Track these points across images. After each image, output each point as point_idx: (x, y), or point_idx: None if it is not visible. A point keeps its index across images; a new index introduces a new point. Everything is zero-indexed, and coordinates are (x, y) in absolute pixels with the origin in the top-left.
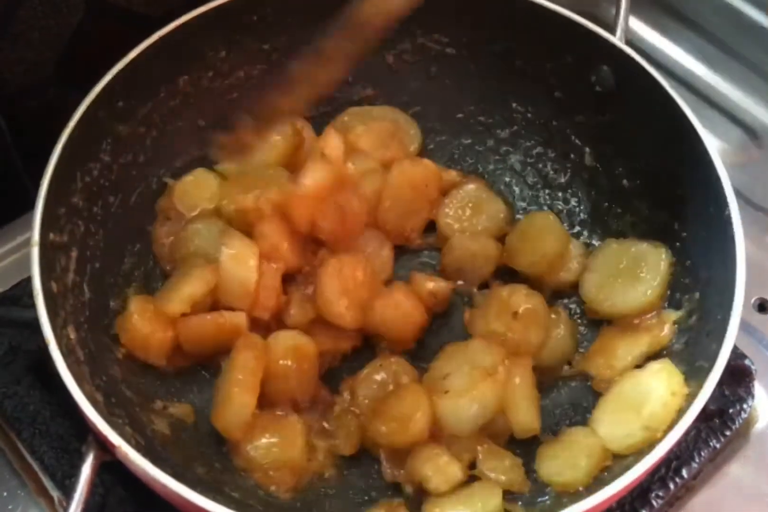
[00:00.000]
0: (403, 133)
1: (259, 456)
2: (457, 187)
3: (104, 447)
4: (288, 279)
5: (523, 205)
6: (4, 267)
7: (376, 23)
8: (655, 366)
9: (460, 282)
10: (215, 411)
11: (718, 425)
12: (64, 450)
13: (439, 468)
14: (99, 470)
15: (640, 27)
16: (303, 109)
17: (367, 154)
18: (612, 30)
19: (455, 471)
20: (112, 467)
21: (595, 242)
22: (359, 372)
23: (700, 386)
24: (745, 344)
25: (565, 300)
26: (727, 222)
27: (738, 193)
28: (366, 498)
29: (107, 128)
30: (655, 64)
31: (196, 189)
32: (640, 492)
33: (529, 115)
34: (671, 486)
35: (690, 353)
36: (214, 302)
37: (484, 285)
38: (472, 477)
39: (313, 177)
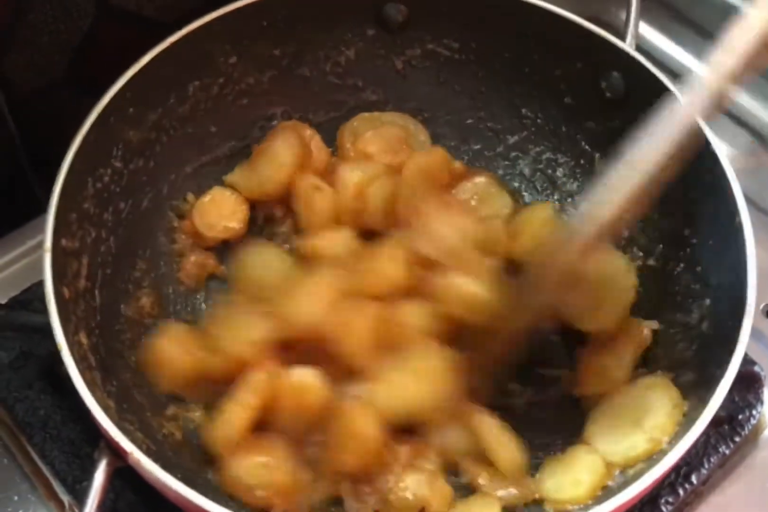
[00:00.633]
0: (413, 140)
1: (245, 475)
2: (467, 179)
3: (116, 453)
4: None
5: None
6: (14, 272)
7: None
8: (648, 380)
9: None
10: (209, 424)
11: (728, 431)
12: (75, 455)
13: (436, 491)
14: (112, 476)
15: (650, 33)
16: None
17: (376, 160)
18: (622, 36)
19: (448, 489)
20: (123, 472)
21: None
22: None
23: (711, 393)
24: (754, 350)
25: None
26: (738, 228)
27: (747, 199)
28: None
29: (118, 134)
30: (665, 70)
31: (215, 208)
32: (649, 499)
33: (538, 120)
34: (681, 492)
35: (700, 360)
36: None
37: None
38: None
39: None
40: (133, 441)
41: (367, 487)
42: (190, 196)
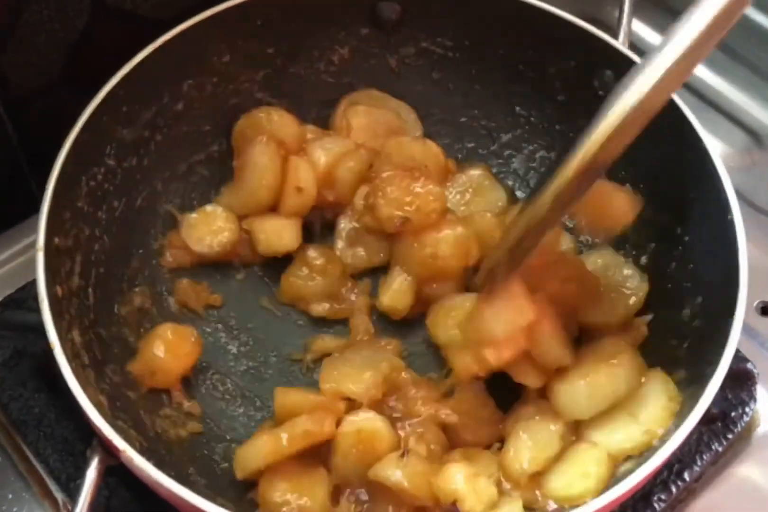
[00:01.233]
0: (404, 132)
1: (273, 496)
2: (461, 172)
3: (109, 451)
4: None
5: None
6: (9, 271)
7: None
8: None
9: None
10: (242, 445)
11: (721, 428)
12: (69, 453)
13: (476, 489)
14: (104, 474)
15: (643, 30)
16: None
17: (353, 135)
18: (615, 34)
19: (492, 493)
20: (116, 470)
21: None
22: None
23: (702, 389)
24: (747, 347)
25: None
26: (730, 225)
27: (741, 196)
28: None
29: (112, 133)
30: None
31: (204, 225)
32: (642, 496)
33: (532, 119)
34: (673, 489)
35: (692, 356)
36: None
37: None
38: None
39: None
40: (126, 439)
41: None
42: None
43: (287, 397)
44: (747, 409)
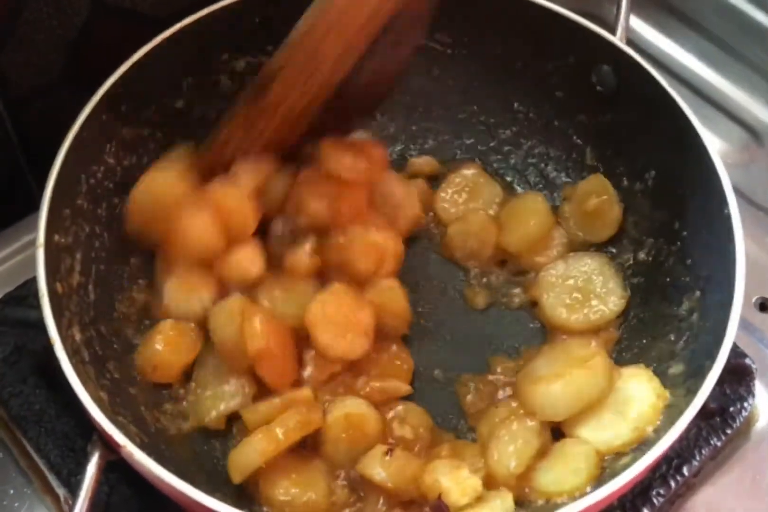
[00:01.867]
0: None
1: (277, 495)
2: (454, 172)
3: (109, 446)
4: None
5: None
6: (10, 268)
7: None
8: (629, 371)
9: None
10: (234, 448)
11: (719, 423)
12: (70, 449)
13: (459, 482)
14: (104, 469)
15: (641, 26)
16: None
17: None
18: (613, 30)
19: (475, 484)
20: (117, 465)
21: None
22: None
23: (700, 384)
24: (746, 343)
25: None
26: (727, 221)
27: (739, 193)
28: None
29: (111, 131)
30: (656, 64)
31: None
32: (641, 490)
33: (530, 114)
34: (672, 484)
35: (690, 351)
36: None
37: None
38: None
39: None
40: (126, 434)
41: None
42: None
43: (256, 412)
44: (745, 404)
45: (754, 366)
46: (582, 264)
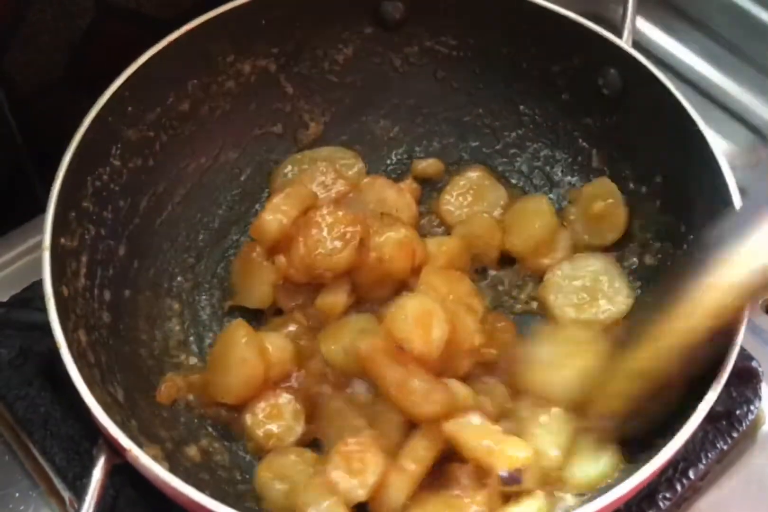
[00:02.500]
0: (346, 172)
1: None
2: (459, 175)
3: (115, 449)
4: None
5: None
6: (16, 271)
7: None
8: None
9: None
10: (374, 495)
11: (725, 426)
12: (75, 452)
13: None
14: (110, 473)
15: (647, 28)
16: None
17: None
18: (619, 32)
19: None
20: (122, 469)
21: None
22: None
23: (707, 387)
24: (752, 346)
25: None
26: None
27: (746, 195)
28: None
29: (117, 133)
30: (663, 66)
31: None
32: (647, 494)
33: (536, 117)
34: (678, 487)
35: None
36: None
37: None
38: None
39: None
40: (132, 438)
41: None
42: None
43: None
44: (752, 407)
45: (760, 369)
46: (588, 264)
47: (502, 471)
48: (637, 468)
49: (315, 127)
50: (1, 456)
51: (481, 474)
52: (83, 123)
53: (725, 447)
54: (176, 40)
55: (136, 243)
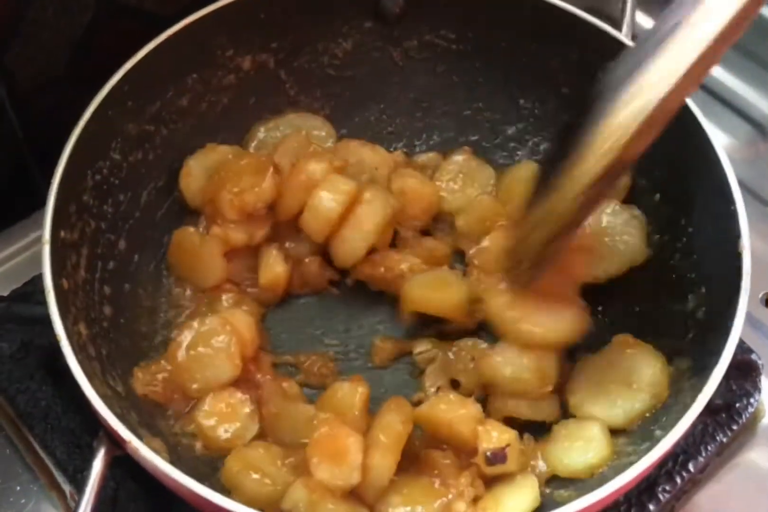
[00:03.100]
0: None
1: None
2: (445, 160)
3: (115, 441)
4: None
5: None
6: (17, 264)
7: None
8: (620, 342)
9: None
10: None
11: (725, 419)
12: (76, 445)
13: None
14: (110, 464)
15: (647, 22)
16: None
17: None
18: (618, 26)
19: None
20: (123, 461)
21: None
22: None
23: (706, 380)
24: (752, 339)
25: None
26: (734, 217)
27: (746, 188)
28: None
29: (117, 127)
30: None
31: None
32: (646, 486)
33: (536, 111)
34: (678, 480)
35: (696, 347)
36: None
37: None
38: None
39: None
40: (132, 430)
41: None
42: None
43: None
44: (752, 400)
45: (760, 362)
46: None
47: (488, 450)
48: (635, 461)
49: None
50: (2, 449)
51: (462, 458)
52: (83, 117)
53: (725, 440)
54: (175, 34)
55: (137, 237)
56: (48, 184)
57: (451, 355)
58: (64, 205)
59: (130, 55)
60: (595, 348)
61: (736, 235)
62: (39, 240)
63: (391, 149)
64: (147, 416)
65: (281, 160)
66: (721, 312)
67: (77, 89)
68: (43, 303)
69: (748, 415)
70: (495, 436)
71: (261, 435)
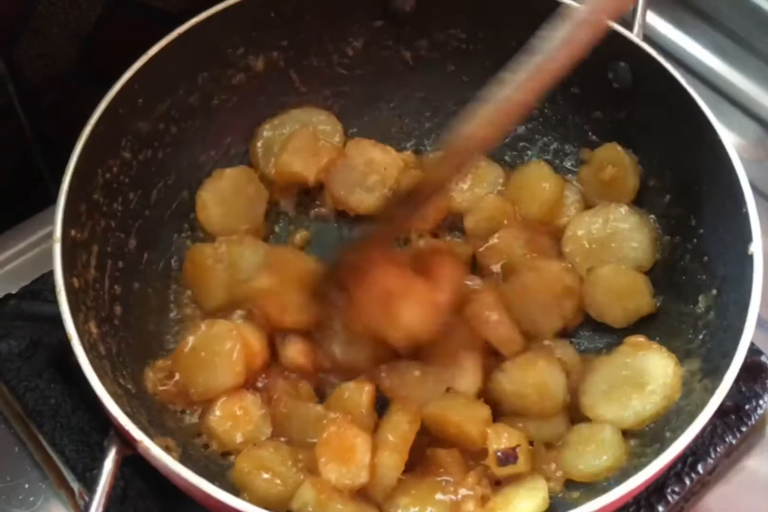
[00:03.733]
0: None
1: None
2: None
3: (126, 441)
4: None
5: None
6: (25, 262)
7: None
8: (631, 345)
9: None
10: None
11: (734, 421)
12: (85, 443)
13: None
14: (121, 464)
15: (657, 22)
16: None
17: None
18: (629, 26)
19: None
20: (132, 460)
21: None
22: None
23: (717, 382)
24: (761, 340)
25: None
26: (745, 219)
27: (755, 188)
28: None
29: (127, 125)
30: (673, 60)
31: None
32: (656, 488)
33: (545, 111)
34: (687, 481)
35: (707, 349)
36: None
37: None
38: None
39: None
40: (143, 429)
41: None
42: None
43: None
44: (761, 402)
45: None
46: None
47: (498, 451)
48: (646, 463)
49: None
50: (11, 447)
51: (469, 458)
52: (93, 115)
53: (734, 442)
54: (186, 33)
55: (146, 235)
56: (57, 181)
57: None
58: (74, 204)
59: (139, 50)
60: (607, 349)
61: (748, 236)
62: (47, 237)
63: (401, 148)
64: (157, 415)
65: (292, 159)
66: (733, 314)
67: (86, 85)
68: (52, 301)
69: (757, 417)
70: (505, 437)
71: (271, 435)
